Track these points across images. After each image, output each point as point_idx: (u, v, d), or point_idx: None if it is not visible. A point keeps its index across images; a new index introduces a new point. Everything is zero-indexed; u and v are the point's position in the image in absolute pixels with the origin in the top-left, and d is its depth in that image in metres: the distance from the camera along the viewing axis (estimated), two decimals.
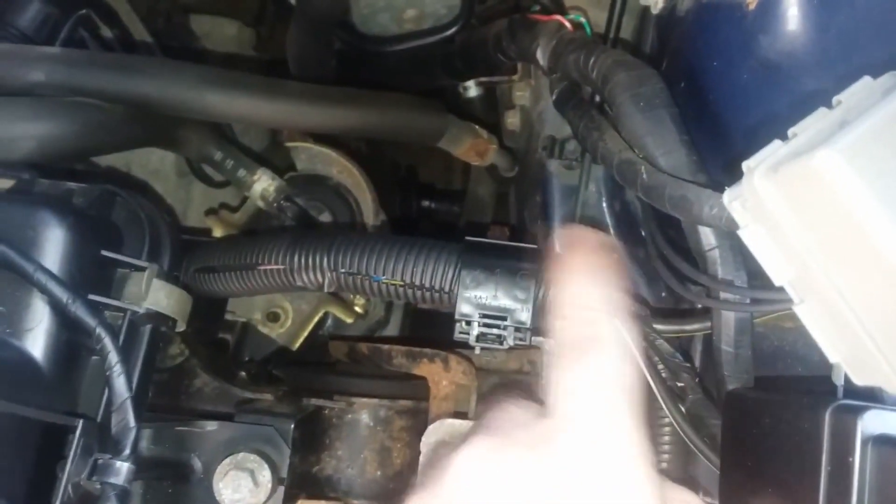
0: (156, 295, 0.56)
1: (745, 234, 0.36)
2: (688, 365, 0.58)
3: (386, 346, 0.83)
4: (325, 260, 0.65)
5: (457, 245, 0.63)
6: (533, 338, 0.62)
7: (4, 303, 0.49)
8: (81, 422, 0.49)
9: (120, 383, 0.50)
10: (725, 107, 0.54)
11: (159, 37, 0.88)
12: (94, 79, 0.63)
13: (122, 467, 0.49)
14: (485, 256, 0.62)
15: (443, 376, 0.77)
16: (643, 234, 0.78)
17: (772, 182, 0.32)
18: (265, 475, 0.66)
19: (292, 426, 0.71)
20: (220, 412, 0.76)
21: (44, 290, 0.49)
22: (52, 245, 0.51)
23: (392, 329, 1.01)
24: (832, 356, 0.35)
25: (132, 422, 0.50)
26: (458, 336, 0.61)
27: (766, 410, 0.45)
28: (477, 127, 0.86)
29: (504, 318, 0.60)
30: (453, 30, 0.88)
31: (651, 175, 0.50)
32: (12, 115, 0.60)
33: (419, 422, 0.79)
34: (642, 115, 0.53)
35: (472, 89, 1.01)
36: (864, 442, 0.35)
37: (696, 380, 0.57)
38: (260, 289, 0.71)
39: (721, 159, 0.53)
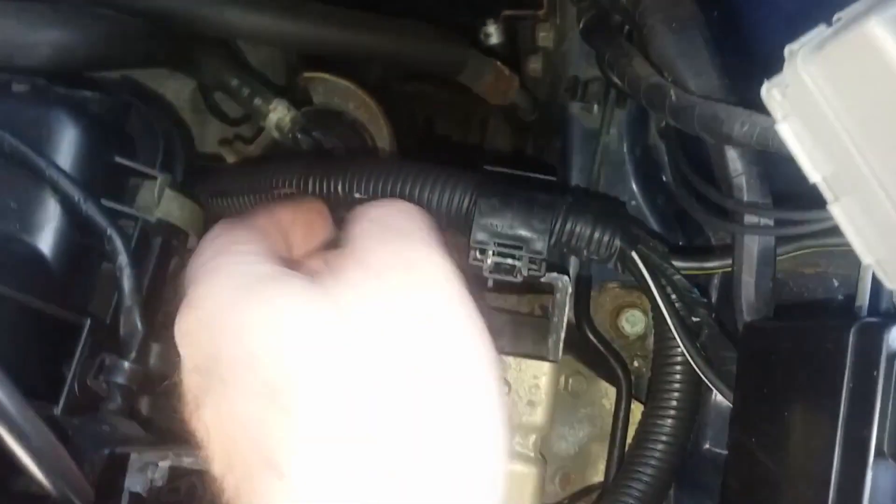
0: (168, 205, 0.56)
1: (782, 128, 0.35)
2: (704, 300, 0.57)
3: None
4: (340, 185, 0.64)
5: (474, 173, 0.62)
6: (547, 273, 0.62)
7: (16, 199, 0.49)
8: (90, 320, 0.49)
9: (130, 285, 0.49)
10: (763, 33, 0.52)
11: None
12: None
13: (129, 368, 0.48)
14: (502, 185, 0.60)
15: None
16: (664, 179, 0.77)
17: (816, 63, 0.31)
18: None
19: None
20: None
21: (56, 188, 0.48)
22: (66, 145, 0.50)
23: None
24: (865, 257, 0.34)
25: (140, 325, 0.50)
26: (473, 264, 0.60)
27: (786, 337, 0.44)
28: (499, 63, 0.84)
29: (520, 248, 0.59)
30: None
31: (680, 97, 0.48)
32: (30, 20, 0.59)
33: None
34: (673, 36, 0.51)
35: (493, 35, 0.99)
36: (891, 357, 0.34)
37: (713, 315, 0.56)
38: None
39: (757, 89, 0.51)
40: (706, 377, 0.53)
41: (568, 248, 0.61)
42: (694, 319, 0.57)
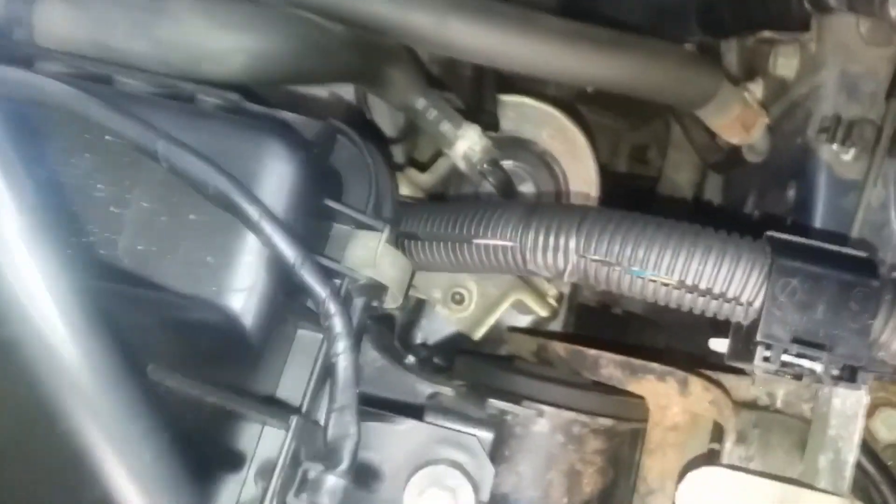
0: (381, 262, 0.44)
1: None
2: None
3: (592, 352, 0.69)
4: (573, 241, 0.51)
5: (758, 242, 0.48)
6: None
7: (214, 252, 0.38)
8: (296, 420, 0.37)
9: (347, 376, 0.38)
10: None
11: None
12: None
13: (338, 485, 0.37)
14: (803, 261, 0.46)
15: (675, 401, 0.62)
16: None
17: None
18: (466, 497, 0.53)
19: (493, 436, 0.58)
20: (383, 398, 0.65)
21: (267, 244, 0.37)
22: (277, 185, 0.39)
23: (556, 325, 0.87)
24: None
25: (354, 427, 0.38)
26: (759, 364, 0.45)
27: None
28: (746, 93, 0.69)
29: (823, 348, 0.44)
30: None
31: None
32: (226, 22, 0.49)
33: (615, 445, 0.65)
34: None
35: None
36: None
37: None
38: (473, 266, 0.58)
39: None
40: None
41: (887, 352, 0.45)
42: None
